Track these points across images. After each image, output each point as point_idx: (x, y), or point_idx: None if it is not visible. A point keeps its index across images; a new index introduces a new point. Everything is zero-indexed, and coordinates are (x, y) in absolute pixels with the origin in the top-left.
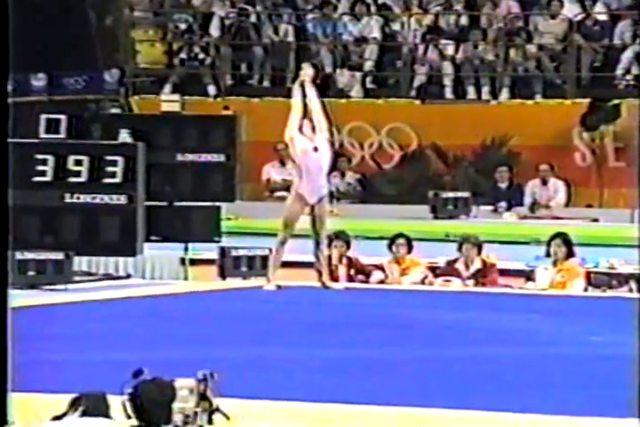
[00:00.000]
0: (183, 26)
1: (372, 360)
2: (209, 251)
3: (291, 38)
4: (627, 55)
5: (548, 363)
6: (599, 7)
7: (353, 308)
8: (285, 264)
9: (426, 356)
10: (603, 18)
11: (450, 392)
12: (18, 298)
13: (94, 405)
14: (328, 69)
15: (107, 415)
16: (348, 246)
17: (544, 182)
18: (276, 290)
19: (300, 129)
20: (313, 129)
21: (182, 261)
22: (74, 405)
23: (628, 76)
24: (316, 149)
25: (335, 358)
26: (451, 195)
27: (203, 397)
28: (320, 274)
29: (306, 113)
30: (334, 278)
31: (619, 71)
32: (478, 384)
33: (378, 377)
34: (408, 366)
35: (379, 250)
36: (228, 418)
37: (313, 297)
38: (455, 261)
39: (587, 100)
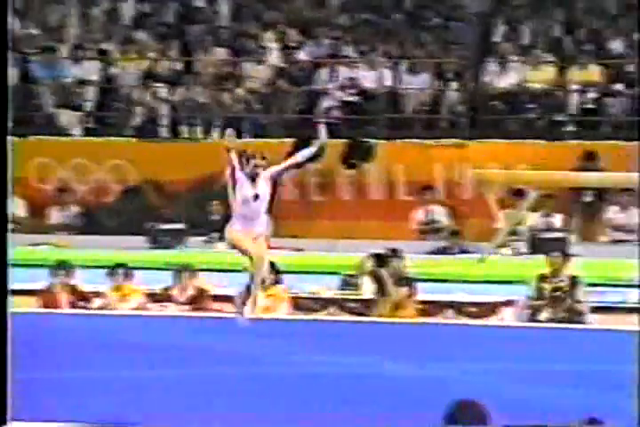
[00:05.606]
0: None
1: (94, 380)
2: None
3: (15, 80)
4: (327, 99)
5: (252, 380)
6: (302, 55)
7: (76, 332)
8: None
9: (143, 376)
10: (306, 65)
11: (164, 409)
12: None
13: None
14: (51, 110)
15: None
16: (71, 275)
17: None
18: None
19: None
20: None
21: None
22: None
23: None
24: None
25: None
26: (167, 226)
27: None
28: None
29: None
30: (57, 305)
31: (320, 112)
32: (193, 401)
33: (99, 397)
34: (128, 386)
35: (100, 278)
36: None
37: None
38: (171, 287)
39: (291, 140)
